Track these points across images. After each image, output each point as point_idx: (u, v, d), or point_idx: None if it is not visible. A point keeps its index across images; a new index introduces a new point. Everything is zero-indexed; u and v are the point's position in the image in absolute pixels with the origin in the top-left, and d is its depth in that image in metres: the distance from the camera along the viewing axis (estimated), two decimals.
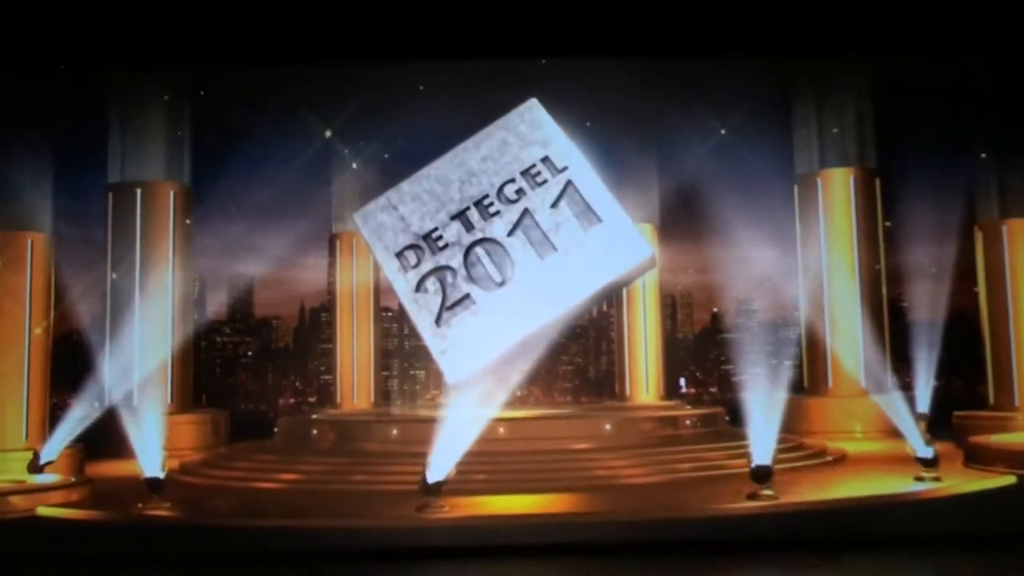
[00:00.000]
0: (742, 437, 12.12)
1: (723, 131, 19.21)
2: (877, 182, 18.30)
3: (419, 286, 8.24)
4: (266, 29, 13.44)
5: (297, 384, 34.33)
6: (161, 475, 11.63)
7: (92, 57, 14.24)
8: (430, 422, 11.80)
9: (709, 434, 14.56)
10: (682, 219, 21.26)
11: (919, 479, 11.63)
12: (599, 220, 8.01)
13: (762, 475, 10.87)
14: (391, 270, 8.29)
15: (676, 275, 23.15)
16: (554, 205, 8.16)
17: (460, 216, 8.28)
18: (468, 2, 13.18)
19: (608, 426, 13.74)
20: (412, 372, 33.30)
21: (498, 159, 8.31)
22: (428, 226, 8.28)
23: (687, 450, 13.28)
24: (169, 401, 17.72)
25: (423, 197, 8.34)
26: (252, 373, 35.70)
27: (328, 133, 19.85)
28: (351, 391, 21.27)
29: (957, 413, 16.17)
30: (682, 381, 33.66)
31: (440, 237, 8.27)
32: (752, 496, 10.78)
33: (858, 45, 14.44)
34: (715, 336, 34.86)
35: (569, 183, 8.16)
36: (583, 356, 36.43)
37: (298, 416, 16.80)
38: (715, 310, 34.28)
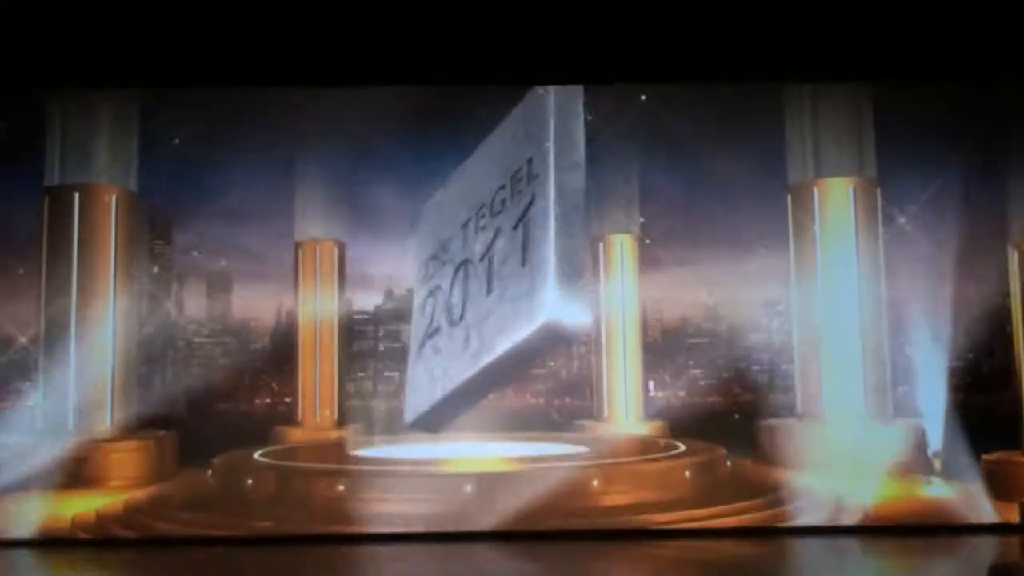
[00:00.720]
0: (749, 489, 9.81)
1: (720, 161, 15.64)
2: (878, 192, 14.91)
3: (423, 305, 5.24)
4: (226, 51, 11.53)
5: (273, 385, 31.04)
6: None
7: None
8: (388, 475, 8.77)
9: (712, 485, 11.18)
10: (661, 225, 17.88)
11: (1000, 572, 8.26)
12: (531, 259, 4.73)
13: None
14: (415, 280, 5.76)
15: (653, 278, 19.56)
16: (515, 227, 4.89)
17: (465, 226, 5.16)
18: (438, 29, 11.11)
19: (595, 482, 10.38)
20: (387, 374, 30.13)
21: (506, 153, 5.14)
22: (448, 233, 5.20)
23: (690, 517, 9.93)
24: (108, 424, 14.29)
25: (455, 196, 5.30)
26: (229, 373, 31.93)
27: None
28: (313, 409, 17.83)
29: (987, 456, 12.71)
30: (651, 384, 30.63)
31: (449, 249, 5.18)
32: None
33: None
34: (684, 340, 31.63)
35: (533, 198, 4.86)
36: (555, 360, 33.16)
37: (235, 455, 13.35)
38: (684, 315, 31.12)
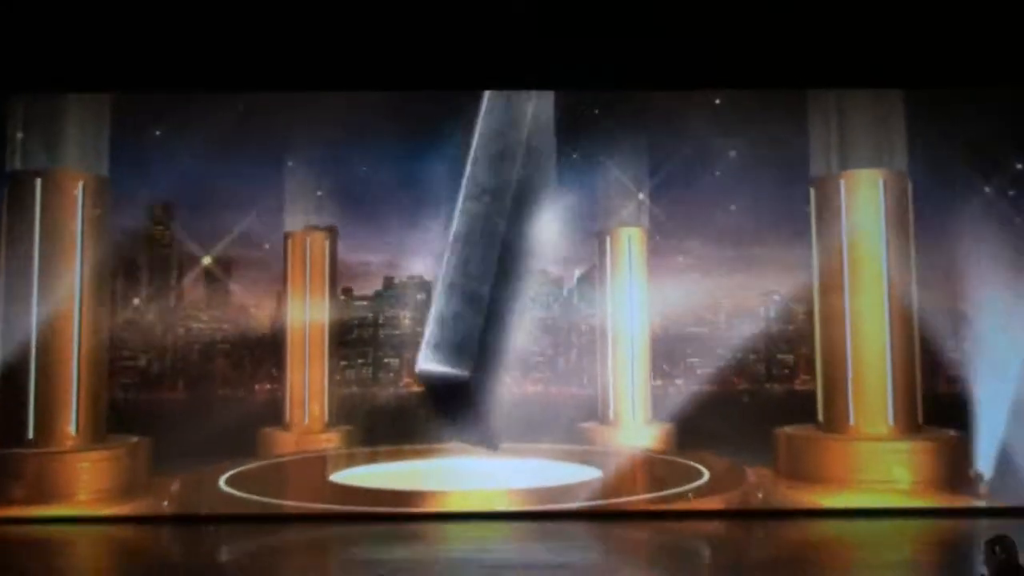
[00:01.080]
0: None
1: (732, 152, 13.55)
2: (909, 186, 12.79)
3: None
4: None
5: (273, 371, 29.10)
6: None
7: None
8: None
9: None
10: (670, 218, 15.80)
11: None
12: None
13: None
14: None
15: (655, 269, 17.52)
16: None
17: None
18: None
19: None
20: (386, 360, 28.21)
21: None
22: None
23: None
24: (74, 431, 12.25)
25: None
26: (229, 359, 29.89)
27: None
28: (302, 407, 15.80)
29: None
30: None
31: None
32: None
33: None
34: (683, 329, 29.43)
35: None
36: (553, 348, 31.09)
37: (203, 475, 11.32)
38: (686, 306, 29.01)
